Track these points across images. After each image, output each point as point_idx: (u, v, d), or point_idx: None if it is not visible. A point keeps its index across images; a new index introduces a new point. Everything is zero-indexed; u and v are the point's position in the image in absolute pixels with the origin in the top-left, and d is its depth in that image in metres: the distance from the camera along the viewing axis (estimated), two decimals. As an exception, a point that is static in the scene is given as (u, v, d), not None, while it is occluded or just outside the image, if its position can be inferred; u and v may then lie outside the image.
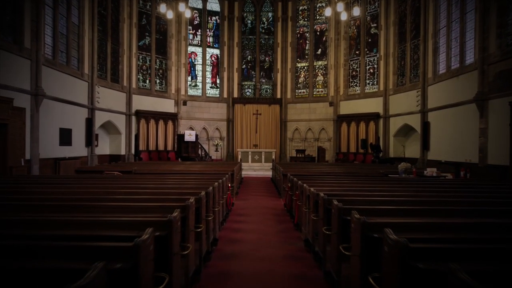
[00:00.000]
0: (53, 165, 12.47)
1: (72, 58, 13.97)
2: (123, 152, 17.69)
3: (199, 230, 3.52)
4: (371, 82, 19.41)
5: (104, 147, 17.26)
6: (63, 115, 13.07)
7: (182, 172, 10.06)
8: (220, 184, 6.15)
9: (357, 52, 20.03)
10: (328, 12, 15.32)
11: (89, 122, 14.89)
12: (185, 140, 18.19)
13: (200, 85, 21.75)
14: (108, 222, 2.68)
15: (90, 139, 14.93)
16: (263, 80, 22.58)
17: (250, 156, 19.78)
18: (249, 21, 22.64)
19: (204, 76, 21.76)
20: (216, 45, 22.16)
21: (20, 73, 10.71)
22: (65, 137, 13.24)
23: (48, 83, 12.03)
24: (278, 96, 22.13)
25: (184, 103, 20.76)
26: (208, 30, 21.96)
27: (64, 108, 13.15)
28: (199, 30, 21.76)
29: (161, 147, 19.46)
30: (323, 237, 4.07)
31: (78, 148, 14.15)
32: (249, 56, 22.58)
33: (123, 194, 4.53)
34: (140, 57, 19.13)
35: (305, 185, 5.64)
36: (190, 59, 21.47)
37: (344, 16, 15.55)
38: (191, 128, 20.42)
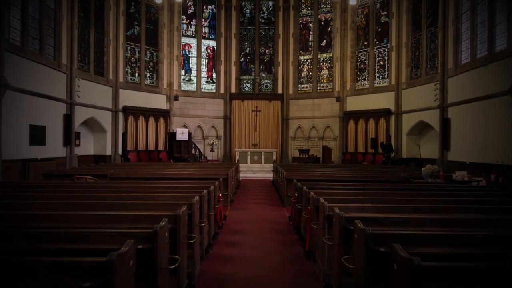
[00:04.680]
0: (22, 167, 10.83)
1: (46, 46, 12.29)
2: (108, 153, 16.02)
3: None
4: (381, 76, 17.73)
5: (88, 146, 15.61)
6: (34, 110, 11.40)
7: (166, 176, 8.44)
8: (205, 196, 4.52)
9: (365, 43, 18.35)
10: (335, -4, 13.68)
11: (68, 119, 13.23)
12: (177, 139, 16.52)
13: (194, 79, 20.04)
14: None
15: (69, 138, 13.26)
16: (263, 74, 20.88)
17: (248, 157, 18.14)
18: (248, 11, 20.93)
19: (199, 70, 20.05)
20: (212, 36, 20.45)
21: (-23, 60, 9.08)
22: (37, 135, 11.56)
23: (15, 73, 10.38)
24: (279, 91, 20.43)
25: (176, 98, 19.05)
26: (203, 20, 20.24)
27: (36, 102, 11.48)
28: (194, 20, 20.04)
29: (151, 146, 17.80)
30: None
31: (54, 148, 12.49)
32: (248, 49, 20.87)
33: (47, 219, 2.89)
34: (128, 48, 17.45)
35: (322, 199, 4.00)
36: (183, 51, 19.77)
37: (353, 1, 13.93)
38: (185, 126, 18.73)
